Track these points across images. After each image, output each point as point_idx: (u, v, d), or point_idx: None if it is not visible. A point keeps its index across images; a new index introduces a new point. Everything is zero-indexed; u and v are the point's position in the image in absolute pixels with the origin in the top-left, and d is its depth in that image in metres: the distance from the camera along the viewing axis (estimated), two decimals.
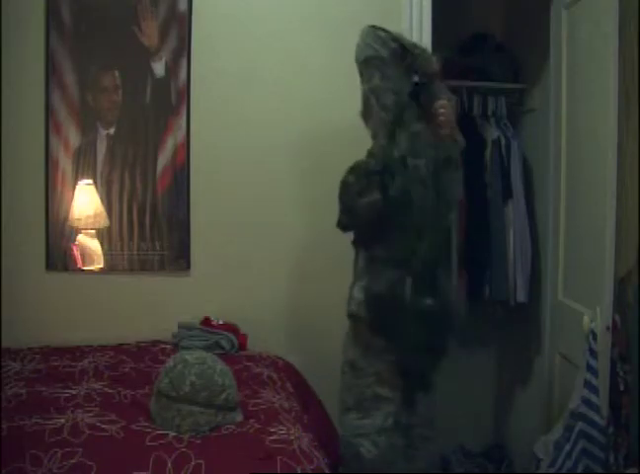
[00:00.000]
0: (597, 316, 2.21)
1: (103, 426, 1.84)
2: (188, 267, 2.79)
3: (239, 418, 1.96)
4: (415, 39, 2.76)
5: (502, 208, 2.97)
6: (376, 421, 2.19)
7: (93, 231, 2.69)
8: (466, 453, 3.33)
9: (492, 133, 3.01)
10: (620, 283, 2.30)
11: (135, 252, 2.75)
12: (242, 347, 2.64)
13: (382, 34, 2.18)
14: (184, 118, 2.74)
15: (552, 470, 2.22)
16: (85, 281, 2.72)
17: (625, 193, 2.28)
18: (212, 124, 2.76)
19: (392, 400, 2.20)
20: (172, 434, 1.83)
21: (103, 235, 2.72)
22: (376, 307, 2.16)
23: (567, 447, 2.18)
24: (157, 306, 2.76)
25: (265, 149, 2.80)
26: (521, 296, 2.96)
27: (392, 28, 2.75)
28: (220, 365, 1.97)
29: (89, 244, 2.69)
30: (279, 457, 1.73)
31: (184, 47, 2.72)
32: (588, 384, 2.16)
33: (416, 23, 2.76)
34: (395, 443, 2.25)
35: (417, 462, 2.26)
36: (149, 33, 2.70)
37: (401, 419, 2.21)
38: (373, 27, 2.19)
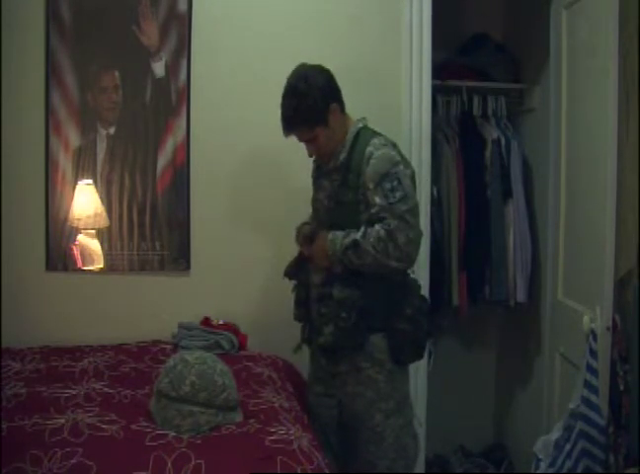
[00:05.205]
0: (597, 316, 2.21)
1: (103, 426, 1.84)
2: (188, 267, 2.79)
3: (239, 418, 1.96)
4: (415, 38, 2.78)
5: (502, 208, 2.97)
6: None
7: (93, 231, 2.69)
8: (466, 453, 3.33)
9: (492, 133, 3.01)
10: (620, 283, 2.30)
11: (135, 252, 2.75)
12: (242, 347, 2.64)
13: None
14: (184, 118, 2.73)
15: (552, 470, 2.22)
16: (85, 281, 2.72)
17: (625, 193, 2.28)
18: (212, 125, 2.76)
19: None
20: (172, 434, 1.83)
21: (103, 235, 2.71)
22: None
23: (567, 447, 2.18)
24: (157, 306, 2.76)
25: (265, 149, 2.79)
26: (521, 296, 2.96)
27: (392, 28, 2.81)
28: (220, 365, 1.97)
29: (89, 244, 2.69)
30: (279, 457, 1.73)
31: (184, 47, 2.71)
32: (588, 384, 2.16)
33: (416, 23, 2.76)
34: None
35: None
36: (149, 33, 2.70)
37: None
38: None
